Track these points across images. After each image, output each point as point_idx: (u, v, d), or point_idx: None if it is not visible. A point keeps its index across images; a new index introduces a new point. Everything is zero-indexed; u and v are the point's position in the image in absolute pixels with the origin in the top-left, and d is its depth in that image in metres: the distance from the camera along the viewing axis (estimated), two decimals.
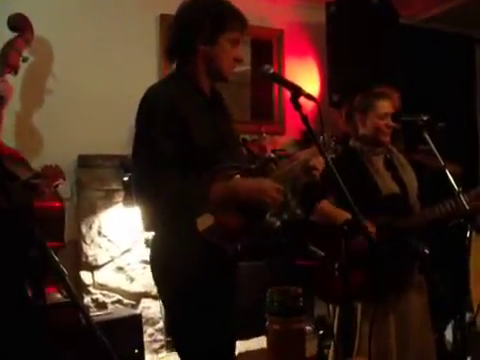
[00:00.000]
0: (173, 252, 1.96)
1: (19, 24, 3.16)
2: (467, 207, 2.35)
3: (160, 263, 2.03)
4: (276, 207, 2.02)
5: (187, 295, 1.95)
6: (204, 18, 1.99)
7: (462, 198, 2.35)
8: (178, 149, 1.90)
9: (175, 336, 2.09)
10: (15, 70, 3.05)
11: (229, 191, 1.92)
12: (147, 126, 1.93)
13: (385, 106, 2.70)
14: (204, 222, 1.87)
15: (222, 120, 2.11)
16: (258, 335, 3.68)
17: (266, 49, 4.62)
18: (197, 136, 1.94)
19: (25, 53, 3.15)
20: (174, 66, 2.13)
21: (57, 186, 2.62)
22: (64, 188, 2.87)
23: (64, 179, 2.69)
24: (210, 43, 2.00)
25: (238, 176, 1.98)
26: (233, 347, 2.19)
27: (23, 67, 3.24)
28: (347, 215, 2.46)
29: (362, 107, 2.75)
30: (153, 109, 1.94)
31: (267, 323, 3.47)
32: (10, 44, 3.08)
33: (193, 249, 1.91)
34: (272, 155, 2.15)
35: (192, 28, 2.00)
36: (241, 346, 3.59)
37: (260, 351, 3.69)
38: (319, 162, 2.02)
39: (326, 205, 2.68)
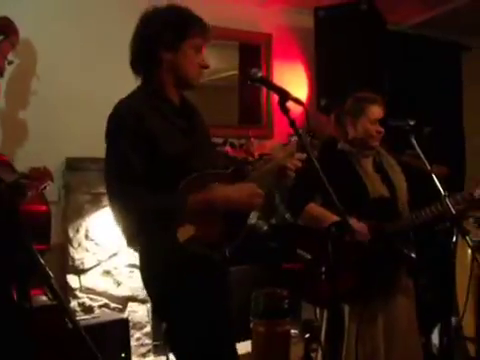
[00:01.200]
0: (157, 264, 1.95)
1: (4, 27, 3.15)
2: (453, 211, 2.37)
3: (147, 274, 2.03)
4: (257, 209, 2.03)
5: (178, 303, 1.95)
6: (164, 27, 1.99)
7: (448, 202, 2.37)
8: (149, 163, 1.90)
9: (173, 345, 2.07)
10: (0, 73, 3.04)
11: (207, 202, 1.91)
12: (116, 142, 1.93)
13: (376, 111, 2.71)
14: (185, 233, 1.86)
15: (194, 128, 2.09)
16: (245, 339, 3.67)
17: (254, 53, 4.63)
18: (167, 148, 1.93)
19: (10, 56, 3.15)
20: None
21: (45, 188, 2.60)
22: (51, 191, 2.85)
23: (52, 181, 2.66)
24: (173, 51, 2.00)
25: (216, 183, 1.97)
26: (233, 349, 2.17)
27: (8, 69, 3.23)
28: (334, 217, 2.48)
29: (353, 111, 2.75)
30: (121, 125, 1.93)
31: (251, 325, 3.47)
32: None
33: (176, 258, 1.90)
34: (249, 158, 2.14)
35: (153, 38, 2.00)
36: None
37: (247, 356, 3.68)
38: (293, 162, 2.02)
39: (313, 208, 2.68)
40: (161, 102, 2.03)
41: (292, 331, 3.66)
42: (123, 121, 1.93)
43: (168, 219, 1.87)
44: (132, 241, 1.99)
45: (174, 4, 2.07)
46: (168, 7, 2.06)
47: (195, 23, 2.03)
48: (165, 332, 2.06)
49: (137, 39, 2.06)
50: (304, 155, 1.99)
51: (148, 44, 2.01)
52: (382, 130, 2.70)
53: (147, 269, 2.02)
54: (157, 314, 2.13)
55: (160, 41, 1.99)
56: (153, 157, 1.91)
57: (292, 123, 1.81)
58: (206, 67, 2.08)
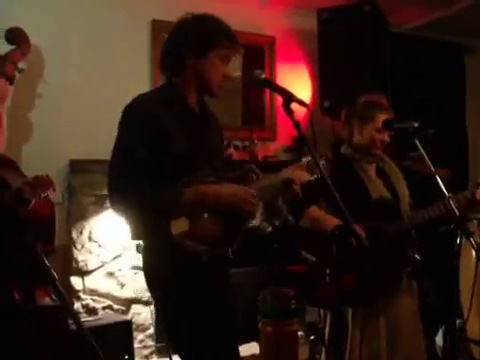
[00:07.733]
0: (157, 259, 1.99)
1: (16, 38, 3.26)
2: (457, 213, 2.36)
3: (147, 271, 2.06)
4: (252, 214, 2.02)
5: (175, 299, 1.95)
6: (194, 34, 2.06)
7: (452, 204, 2.37)
8: (155, 157, 1.94)
9: (174, 343, 2.09)
10: (11, 81, 3.13)
11: (199, 194, 1.93)
12: (126, 132, 1.98)
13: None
14: (179, 226, 1.87)
15: (207, 133, 2.13)
16: (250, 341, 3.67)
17: (258, 56, 4.63)
18: (175, 144, 1.97)
19: (20, 64, 3.21)
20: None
21: (47, 196, 2.63)
22: (55, 193, 2.87)
23: (54, 189, 2.70)
24: (199, 57, 2.05)
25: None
26: (236, 348, 2.17)
27: None
28: (336, 221, 2.48)
29: (362, 116, 2.74)
30: (134, 116, 1.99)
31: (259, 325, 3.47)
32: (7, 56, 3.16)
33: (174, 253, 1.91)
34: (253, 166, 2.15)
35: (182, 43, 2.06)
36: None
37: (252, 357, 3.68)
38: (298, 175, 2.04)
39: (314, 211, 2.68)
40: (178, 102, 2.07)
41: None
42: (136, 113, 1.99)
43: (162, 206, 1.90)
44: (137, 234, 2.03)
45: (208, 14, 2.12)
46: (202, 15, 2.12)
47: (225, 34, 2.08)
48: (166, 332, 2.07)
49: (169, 42, 2.13)
50: (312, 177, 2.04)
51: (177, 48, 2.08)
52: (386, 140, 2.69)
53: (147, 266, 2.05)
54: (159, 313, 2.13)
55: (188, 47, 2.05)
56: (160, 153, 1.94)
57: (296, 125, 1.81)
58: (229, 78, 2.12)
